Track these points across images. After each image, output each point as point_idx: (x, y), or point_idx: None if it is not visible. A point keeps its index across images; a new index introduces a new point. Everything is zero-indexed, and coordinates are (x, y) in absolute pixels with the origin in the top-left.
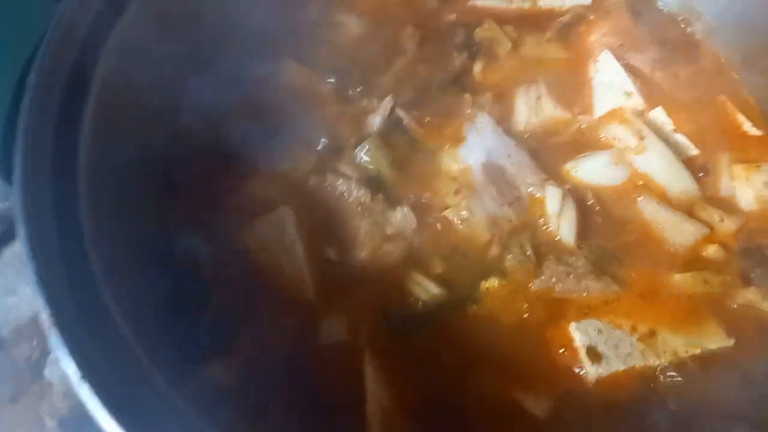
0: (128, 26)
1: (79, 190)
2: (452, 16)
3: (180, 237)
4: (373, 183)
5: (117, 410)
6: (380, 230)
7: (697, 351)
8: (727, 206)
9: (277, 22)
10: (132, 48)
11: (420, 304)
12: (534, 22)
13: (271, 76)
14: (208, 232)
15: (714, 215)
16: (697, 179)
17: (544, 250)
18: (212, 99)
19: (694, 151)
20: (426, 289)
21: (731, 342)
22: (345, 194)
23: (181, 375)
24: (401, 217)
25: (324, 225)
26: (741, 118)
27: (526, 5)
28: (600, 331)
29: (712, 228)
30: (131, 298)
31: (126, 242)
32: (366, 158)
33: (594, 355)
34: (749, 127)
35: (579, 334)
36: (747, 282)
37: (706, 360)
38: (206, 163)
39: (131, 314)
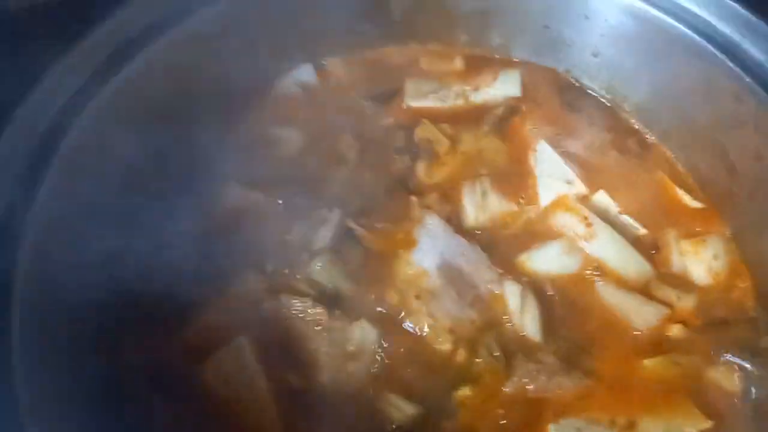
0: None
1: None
2: (389, 120)
3: (130, 382)
4: (330, 299)
5: None
6: (341, 348)
7: None
8: (682, 283)
9: (215, 144)
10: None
11: (393, 426)
12: (469, 117)
13: (214, 200)
14: (161, 372)
15: (671, 294)
16: (649, 258)
17: (512, 348)
18: (153, 234)
19: (641, 230)
20: (398, 408)
21: (709, 424)
22: (301, 314)
23: None
24: (361, 333)
25: (283, 350)
26: (681, 192)
27: (460, 102)
28: (579, 430)
29: (671, 307)
30: None
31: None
32: (321, 274)
33: None
34: (690, 201)
35: None
36: (714, 359)
37: None
38: (153, 301)
39: None
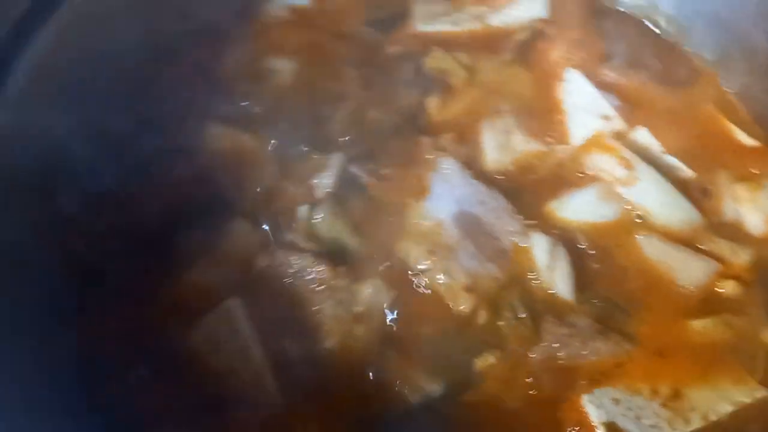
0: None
1: None
2: (396, 48)
3: (106, 354)
4: (333, 255)
5: None
6: (348, 310)
7: (731, 408)
8: (736, 234)
9: (197, 80)
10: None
11: (408, 401)
12: (488, 44)
13: (197, 142)
14: (143, 341)
15: (723, 247)
16: (698, 205)
17: (539, 308)
18: (132, 179)
19: (688, 173)
20: (413, 380)
21: (765, 392)
22: (301, 273)
23: None
24: (371, 291)
25: (280, 314)
26: (734, 128)
27: (476, 26)
28: (617, 401)
29: (723, 261)
30: None
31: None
32: (322, 227)
33: None
34: (744, 138)
35: (594, 409)
36: None
37: (741, 417)
38: (134, 254)
39: None
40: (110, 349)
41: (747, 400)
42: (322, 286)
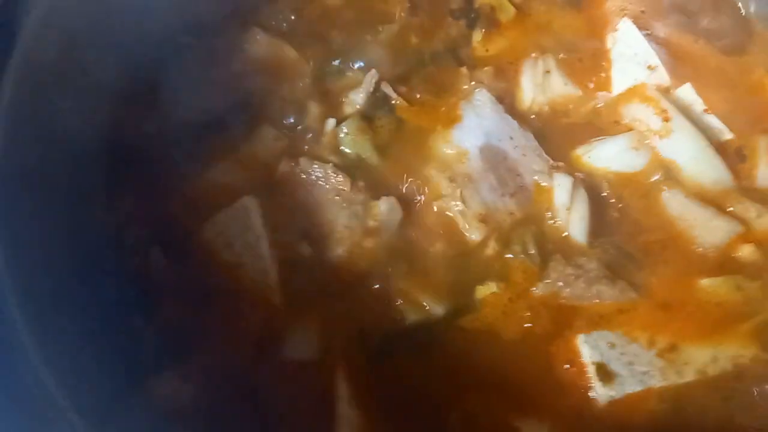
0: None
1: None
2: None
3: (129, 233)
4: (354, 169)
5: None
6: (361, 223)
7: (728, 367)
8: (765, 199)
9: None
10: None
11: (406, 319)
12: None
13: (237, 47)
14: (163, 226)
15: (750, 209)
16: (732, 167)
17: (550, 248)
18: (168, 72)
19: (727, 134)
20: (414, 297)
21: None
22: (321, 181)
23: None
24: (386, 209)
25: (295, 217)
26: None
27: None
28: (612, 345)
29: (747, 225)
30: (57, 308)
31: (57, 236)
32: (346, 141)
33: (605, 373)
34: None
35: (588, 348)
36: None
37: (738, 377)
38: (161, 146)
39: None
40: (132, 232)
41: (746, 361)
42: (339, 197)
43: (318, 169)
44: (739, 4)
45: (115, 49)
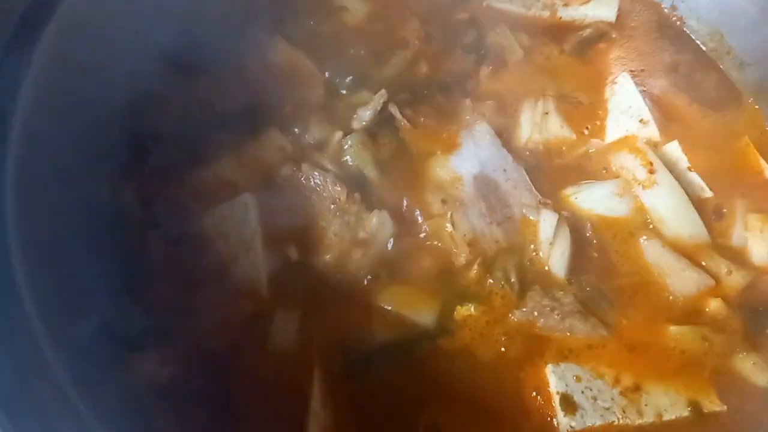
0: None
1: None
2: (464, 15)
3: (131, 213)
4: (352, 181)
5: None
6: (351, 233)
7: (686, 413)
8: (737, 258)
9: None
10: None
11: (382, 334)
12: (551, 32)
13: (258, 51)
14: (168, 207)
15: (721, 265)
16: (708, 223)
17: (530, 278)
18: (188, 68)
19: (707, 193)
20: (395, 313)
21: (723, 408)
22: (319, 188)
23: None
24: (378, 222)
25: (290, 220)
26: (763, 163)
27: (546, 14)
28: (579, 379)
29: (717, 280)
30: (56, 273)
31: (63, 205)
32: (349, 154)
33: (568, 404)
34: None
35: (555, 378)
36: (751, 346)
37: (694, 424)
38: (173, 137)
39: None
40: (134, 212)
41: (704, 410)
42: (334, 205)
43: (318, 177)
44: (732, 75)
45: (142, 44)
